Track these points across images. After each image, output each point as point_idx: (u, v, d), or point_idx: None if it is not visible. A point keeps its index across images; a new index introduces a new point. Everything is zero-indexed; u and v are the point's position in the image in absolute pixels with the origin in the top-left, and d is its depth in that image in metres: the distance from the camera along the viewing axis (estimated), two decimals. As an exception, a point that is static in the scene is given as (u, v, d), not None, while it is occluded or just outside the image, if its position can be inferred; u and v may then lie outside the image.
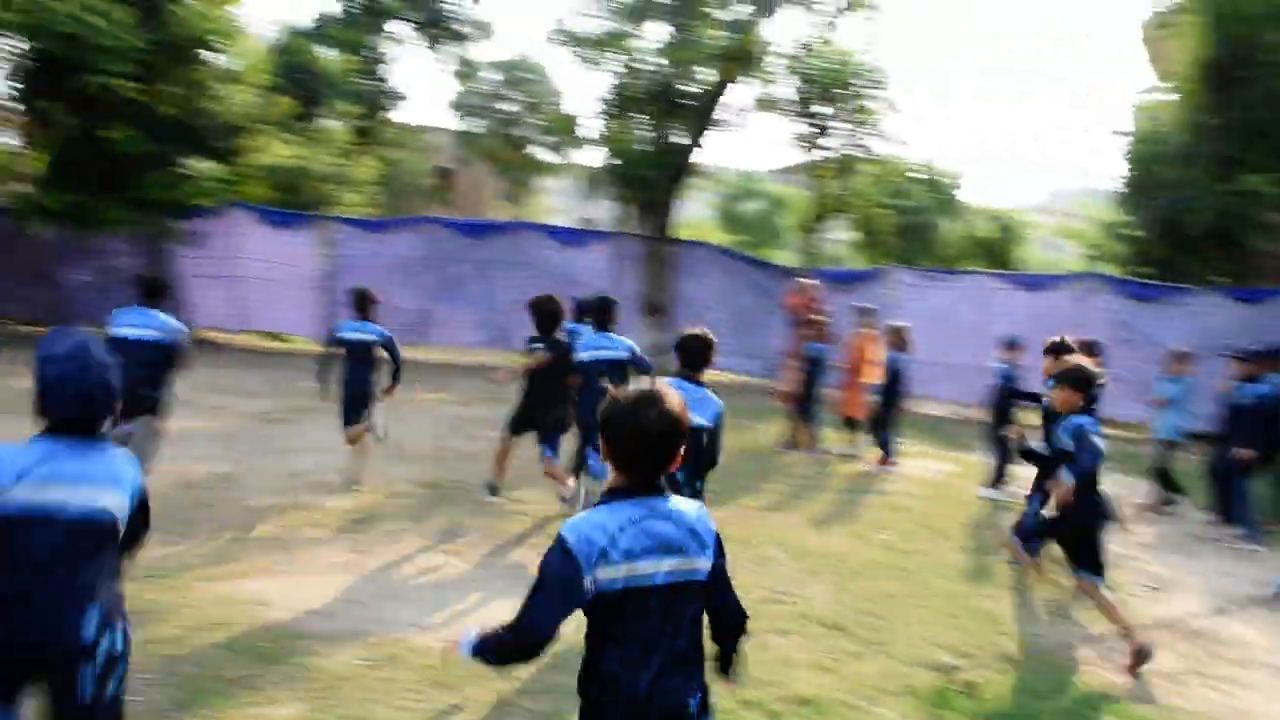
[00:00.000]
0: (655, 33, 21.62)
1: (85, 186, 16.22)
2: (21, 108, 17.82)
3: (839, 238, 34.62)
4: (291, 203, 19.22)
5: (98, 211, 16.06)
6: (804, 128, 26.19)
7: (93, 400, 3.01)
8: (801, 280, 13.52)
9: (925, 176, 32.30)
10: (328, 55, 23.36)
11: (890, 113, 25.62)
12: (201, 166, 16.63)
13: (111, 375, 3.04)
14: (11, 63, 16.80)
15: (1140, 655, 5.51)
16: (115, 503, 3.01)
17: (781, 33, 32.37)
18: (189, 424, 10.62)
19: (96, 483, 2.98)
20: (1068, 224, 30.80)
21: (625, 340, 7.68)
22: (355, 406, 8.32)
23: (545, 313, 7.94)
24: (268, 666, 4.70)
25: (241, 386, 13.28)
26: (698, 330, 5.43)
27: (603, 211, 46.50)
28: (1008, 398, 9.89)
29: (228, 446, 9.77)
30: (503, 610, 5.15)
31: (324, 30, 27.34)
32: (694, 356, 5.36)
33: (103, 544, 3.02)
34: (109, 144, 16.05)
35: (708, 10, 19.23)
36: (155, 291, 7.22)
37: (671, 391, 2.73)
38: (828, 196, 28.94)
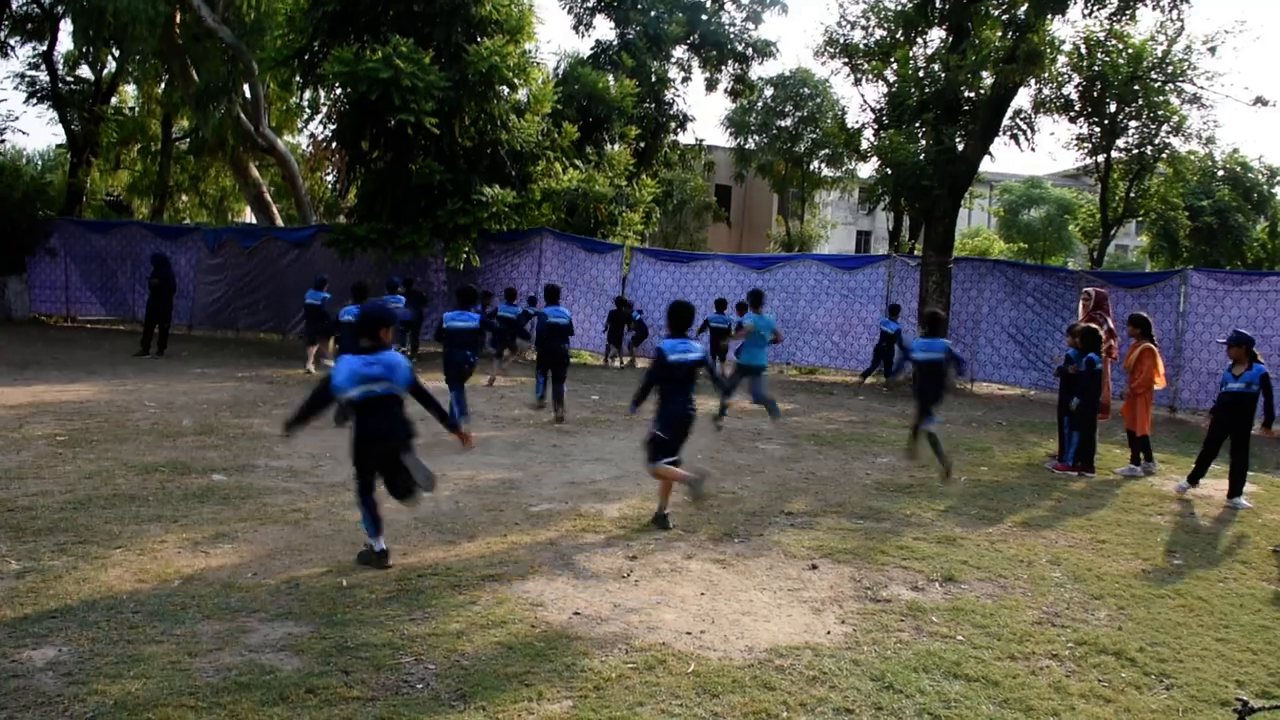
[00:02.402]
0: (931, 38, 21.00)
1: (390, 215, 17.87)
2: (339, 148, 19.90)
3: (1131, 242, 32.23)
4: (575, 224, 20.25)
5: (401, 237, 17.63)
6: (1091, 128, 24.50)
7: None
8: (1088, 288, 12.64)
9: (1234, 172, 29.49)
10: (609, 82, 24.33)
11: (1195, 107, 23.42)
12: (494, 193, 17.79)
13: None
14: (333, 109, 18.70)
15: None
16: None
17: (1068, 29, 30.32)
18: (484, 433, 11.35)
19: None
20: None
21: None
22: None
23: None
24: (540, 664, 4.87)
25: (532, 399, 13.97)
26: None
27: (880, 223, 45.62)
28: None
29: (515, 454, 10.34)
30: (765, 620, 5.05)
31: (605, 57, 28.52)
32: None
33: None
34: (411, 176, 17.57)
35: (988, 11, 18.38)
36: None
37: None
38: (1118, 199, 26.97)
